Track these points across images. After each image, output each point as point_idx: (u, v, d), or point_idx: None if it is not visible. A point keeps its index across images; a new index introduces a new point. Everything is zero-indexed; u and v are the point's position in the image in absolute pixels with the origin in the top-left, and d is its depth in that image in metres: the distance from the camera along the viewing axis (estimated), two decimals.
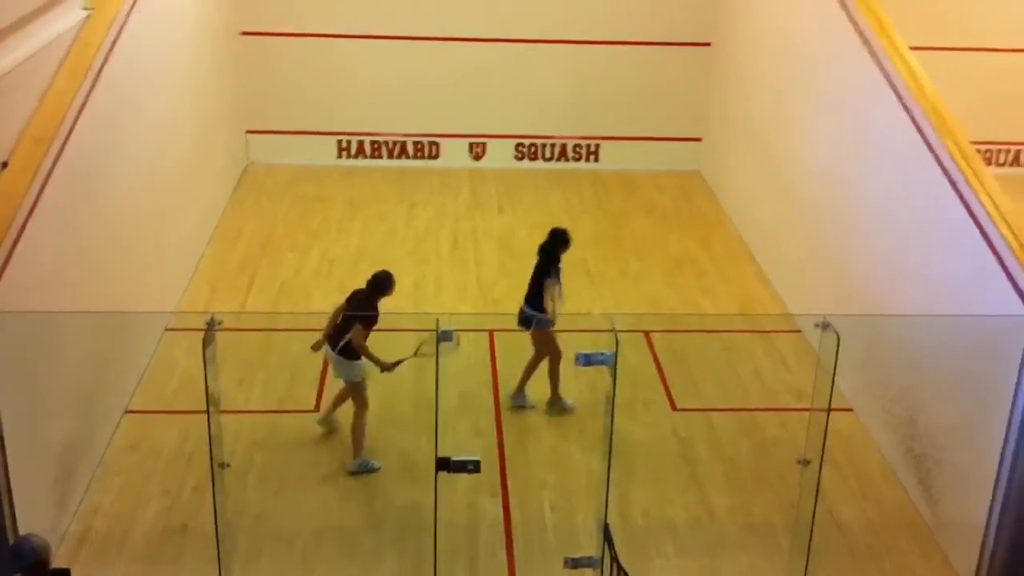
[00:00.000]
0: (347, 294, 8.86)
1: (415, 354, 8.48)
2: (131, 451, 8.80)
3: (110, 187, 9.15)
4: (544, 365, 9.50)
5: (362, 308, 8.56)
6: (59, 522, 7.71)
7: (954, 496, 8.04)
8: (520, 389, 9.59)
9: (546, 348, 9.42)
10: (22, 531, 6.91)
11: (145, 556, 7.68)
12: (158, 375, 9.83)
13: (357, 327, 8.43)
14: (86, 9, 9.25)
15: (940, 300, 8.31)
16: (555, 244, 9.44)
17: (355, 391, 8.73)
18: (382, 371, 8.63)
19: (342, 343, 8.51)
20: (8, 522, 6.93)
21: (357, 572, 7.67)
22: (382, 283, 8.66)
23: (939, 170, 8.48)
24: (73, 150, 8.14)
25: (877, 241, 9.58)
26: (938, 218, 8.52)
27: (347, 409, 8.92)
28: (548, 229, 13.38)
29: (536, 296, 9.26)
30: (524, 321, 9.38)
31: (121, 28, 9.48)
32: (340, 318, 8.66)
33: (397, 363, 8.65)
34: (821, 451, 7.14)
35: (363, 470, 8.67)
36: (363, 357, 8.52)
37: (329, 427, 9.15)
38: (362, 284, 8.71)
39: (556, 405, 9.52)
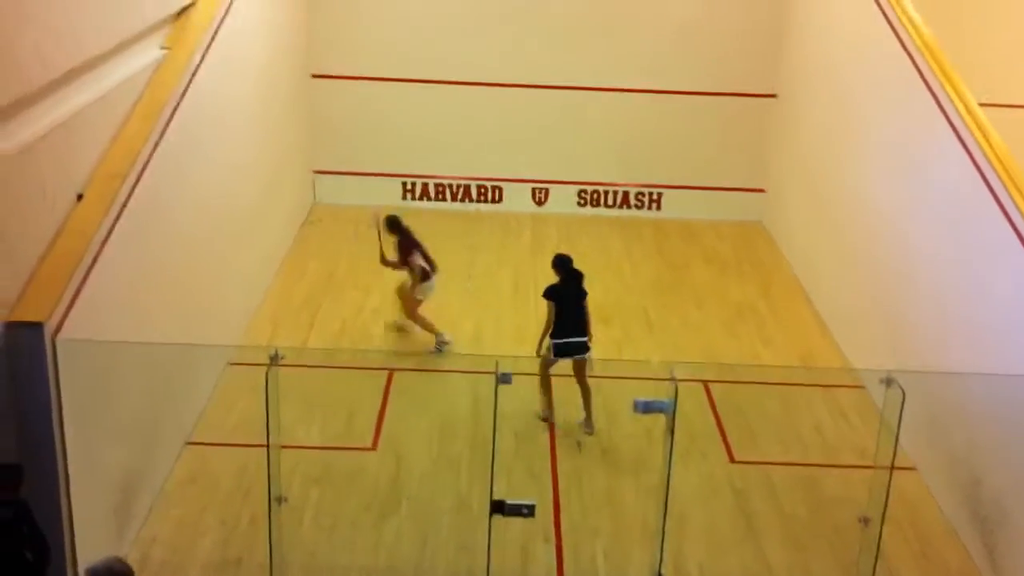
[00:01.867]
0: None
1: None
2: (190, 483, 8.91)
3: (179, 223, 9.34)
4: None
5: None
6: (117, 549, 7.78)
7: (1019, 560, 7.83)
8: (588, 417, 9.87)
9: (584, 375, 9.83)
10: (80, 557, 7.02)
11: None
12: (219, 408, 9.95)
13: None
14: (163, 48, 9.50)
15: (1004, 358, 8.15)
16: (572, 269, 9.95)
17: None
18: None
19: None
20: (68, 548, 7.03)
21: None
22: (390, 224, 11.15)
23: (1008, 226, 8.36)
24: (145, 186, 8.33)
25: (940, 296, 9.45)
26: (1004, 274, 8.39)
27: None
28: (607, 276, 13.47)
29: (585, 325, 9.73)
30: (584, 348, 9.74)
31: (196, 69, 9.71)
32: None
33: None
34: (883, 510, 7.01)
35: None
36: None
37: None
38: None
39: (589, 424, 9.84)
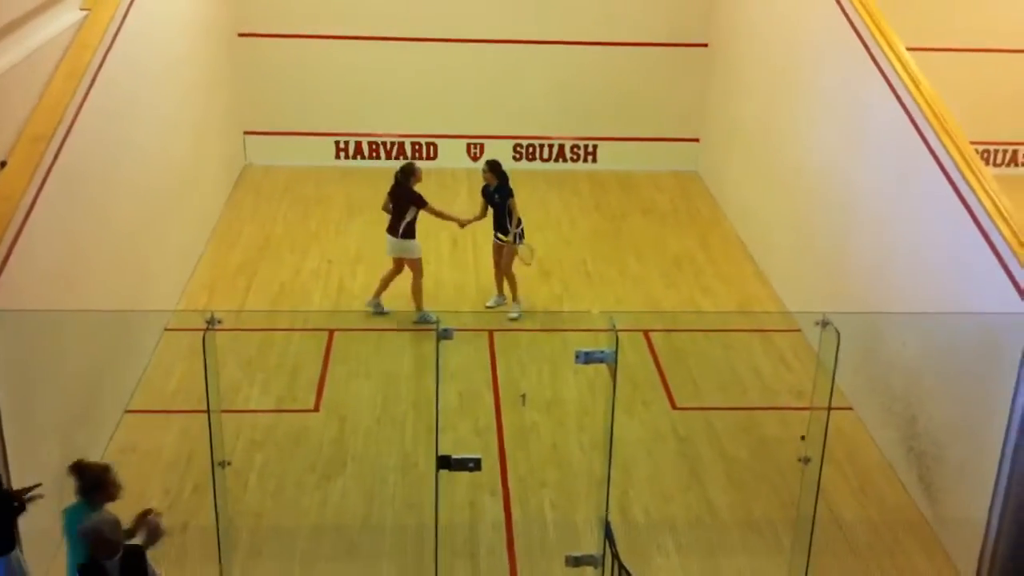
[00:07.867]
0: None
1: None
2: (131, 451, 8.79)
3: (108, 187, 9.14)
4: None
5: (407, 196, 10.82)
6: (59, 520, 7.66)
7: (954, 493, 8.05)
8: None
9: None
10: (23, 532, 6.89)
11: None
12: (157, 375, 9.82)
13: (412, 209, 10.79)
14: (84, 9, 9.24)
15: (939, 298, 8.31)
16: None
17: (414, 264, 10.89)
18: (462, 226, 11.39)
19: (402, 227, 10.76)
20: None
21: (357, 571, 7.66)
22: (407, 171, 10.90)
23: (938, 169, 8.49)
24: (71, 149, 8.13)
25: (875, 240, 9.59)
26: (937, 217, 8.53)
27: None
28: (545, 231, 13.48)
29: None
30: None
31: (119, 29, 9.48)
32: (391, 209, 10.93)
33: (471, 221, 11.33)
34: (822, 449, 7.13)
35: (424, 321, 10.78)
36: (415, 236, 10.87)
37: (378, 310, 10.96)
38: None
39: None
